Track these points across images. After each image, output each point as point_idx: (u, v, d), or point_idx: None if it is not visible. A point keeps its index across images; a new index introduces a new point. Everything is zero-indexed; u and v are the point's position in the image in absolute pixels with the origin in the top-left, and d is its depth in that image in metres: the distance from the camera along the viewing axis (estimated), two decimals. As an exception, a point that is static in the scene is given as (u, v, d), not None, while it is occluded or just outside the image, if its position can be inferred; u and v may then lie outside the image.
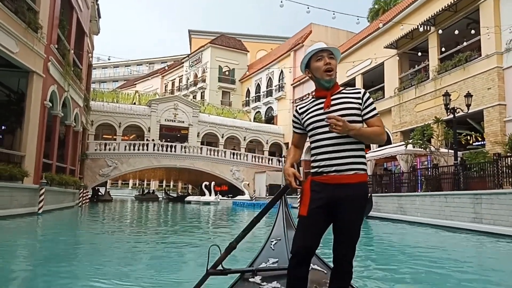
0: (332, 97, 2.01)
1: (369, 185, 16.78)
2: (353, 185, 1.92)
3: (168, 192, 40.96)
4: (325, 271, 2.55)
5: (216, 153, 29.96)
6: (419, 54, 17.81)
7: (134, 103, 31.51)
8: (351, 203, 1.90)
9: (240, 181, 30.04)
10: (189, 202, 29.27)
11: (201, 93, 44.44)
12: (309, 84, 30.71)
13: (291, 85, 33.61)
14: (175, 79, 52.13)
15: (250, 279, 2.47)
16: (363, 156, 2.00)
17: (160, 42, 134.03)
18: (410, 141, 13.90)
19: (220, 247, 2.36)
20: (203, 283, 2.32)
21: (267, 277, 2.49)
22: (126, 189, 50.33)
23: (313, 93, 2.15)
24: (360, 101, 2.00)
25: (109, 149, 25.93)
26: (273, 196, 2.34)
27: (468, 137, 16.00)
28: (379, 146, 20.10)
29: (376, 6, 29.56)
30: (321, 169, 1.96)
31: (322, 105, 2.01)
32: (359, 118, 1.99)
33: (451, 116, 12.88)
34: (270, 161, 32.24)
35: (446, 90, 14.25)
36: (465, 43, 15.75)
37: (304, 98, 31.44)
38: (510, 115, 13.64)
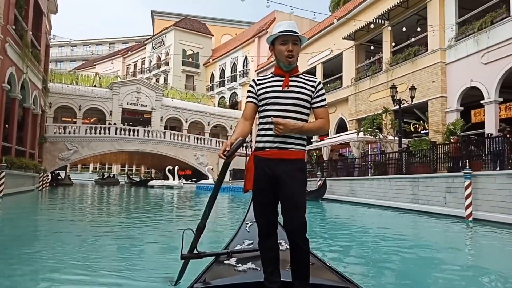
0: (290, 78, 2.08)
1: (324, 169, 18.04)
2: (292, 161, 2.02)
3: (131, 176, 40.66)
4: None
5: (180, 138, 30.12)
6: (372, 47, 18.93)
7: (95, 86, 30.79)
8: (291, 177, 1.99)
9: (204, 165, 30.48)
10: (152, 186, 29.41)
11: (165, 76, 43.94)
12: (272, 70, 31.35)
13: (255, 71, 34.14)
14: (137, 61, 51.00)
15: (225, 261, 2.49)
16: (304, 137, 2.10)
17: (121, 21, 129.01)
18: (362, 129, 15.00)
19: (193, 230, 2.37)
20: (185, 269, 2.41)
21: (242, 258, 2.52)
22: (86, 173, 49.24)
23: (273, 70, 2.21)
24: (313, 89, 2.09)
25: (69, 132, 25.46)
26: (219, 180, 2.41)
27: (417, 126, 17.40)
28: (337, 132, 21.29)
29: (336, -4, 30.49)
30: (264, 144, 2.06)
31: (279, 83, 2.08)
32: (308, 105, 2.09)
33: (398, 107, 14.04)
34: (233, 146, 32.82)
35: (393, 83, 15.42)
36: (413, 39, 16.98)
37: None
38: (450, 106, 15.04)
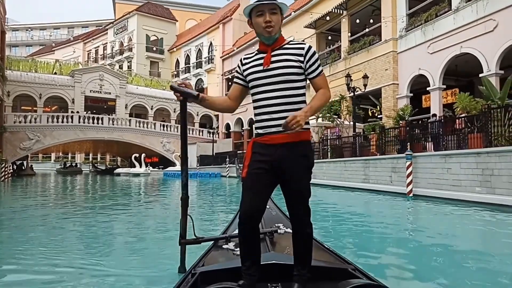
0: (273, 53, 1.88)
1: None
2: (296, 144, 1.83)
3: (96, 165, 40.13)
4: None
5: (145, 125, 30.10)
6: (329, 38, 19.80)
7: (55, 73, 29.99)
8: (295, 161, 1.82)
9: (171, 152, 30.69)
10: (118, 174, 29.36)
11: (128, 62, 43.14)
12: (238, 57, 31.71)
13: (221, 57, 34.35)
14: (98, 46, 49.55)
15: (223, 246, 2.49)
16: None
17: (80, 4, 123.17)
18: (320, 115, 15.92)
19: (191, 216, 2.38)
20: (185, 254, 2.42)
21: None
22: (48, 162, 47.91)
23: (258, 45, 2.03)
24: (302, 58, 1.87)
25: (30, 122, 24.89)
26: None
27: (374, 111, 18.56)
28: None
29: (300, -16, 31.03)
30: (261, 130, 1.89)
31: (261, 61, 1.89)
32: (301, 77, 1.88)
33: (352, 94, 15.03)
34: (200, 133, 33.19)
35: (350, 71, 16.37)
36: (367, 29, 17.98)
37: (233, 71, 32.46)
38: (401, 93, 16.23)
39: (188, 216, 2.34)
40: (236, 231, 2.56)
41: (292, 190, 1.86)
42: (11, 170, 22.67)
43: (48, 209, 8.64)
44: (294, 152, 1.82)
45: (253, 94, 1.93)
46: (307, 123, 1.87)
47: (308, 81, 1.93)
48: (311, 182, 1.91)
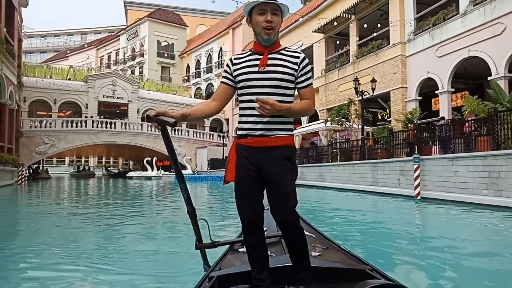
0: (269, 56, 1.86)
1: (296, 157, 19.10)
2: (280, 148, 1.83)
3: (109, 168, 40.81)
4: (313, 235, 2.57)
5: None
6: (337, 42, 19.95)
7: (69, 79, 30.70)
8: (277, 166, 1.81)
9: (182, 156, 31.05)
10: (130, 178, 29.85)
11: (140, 68, 43.86)
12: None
13: (230, 62, 34.66)
14: (111, 52, 50.47)
15: (239, 249, 2.45)
16: (290, 120, 1.90)
17: (93, 10, 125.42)
18: (329, 118, 16.08)
19: (207, 220, 2.35)
20: (206, 255, 2.39)
21: None
22: (62, 166, 48.88)
23: (252, 46, 1.98)
24: (296, 66, 1.85)
25: (45, 126, 25.51)
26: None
27: (384, 114, 18.63)
28: (309, 122, 22.28)
29: (308, -11, 31.30)
30: (246, 132, 1.86)
31: (257, 62, 1.85)
32: (292, 85, 1.87)
33: (360, 98, 15.15)
34: (211, 137, 33.53)
35: (358, 75, 16.51)
36: (375, 34, 18.10)
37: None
38: (410, 96, 16.29)
39: (203, 220, 2.31)
40: None
41: (277, 192, 1.82)
42: (27, 174, 23.26)
43: (63, 212, 8.92)
44: (277, 155, 1.82)
45: (242, 95, 1.89)
46: (291, 129, 1.90)
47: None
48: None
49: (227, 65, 1.96)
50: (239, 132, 1.91)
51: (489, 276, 3.48)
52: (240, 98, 1.90)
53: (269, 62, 1.84)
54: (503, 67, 12.11)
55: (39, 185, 20.31)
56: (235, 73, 1.89)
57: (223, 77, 1.97)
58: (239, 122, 1.92)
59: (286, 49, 1.91)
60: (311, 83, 1.93)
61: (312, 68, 23.88)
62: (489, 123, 8.95)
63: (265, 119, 1.81)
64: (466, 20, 13.59)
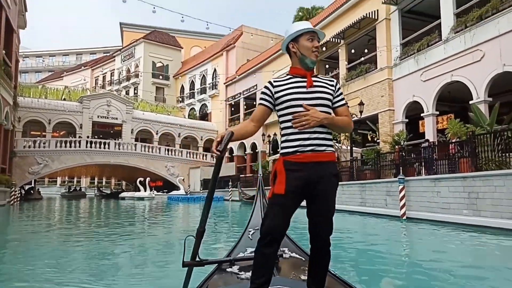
0: (312, 78, 2.02)
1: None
2: (328, 163, 1.95)
3: (101, 188, 40.68)
4: (303, 259, 2.56)
5: (150, 150, 30.75)
6: (327, 66, 20.61)
7: (64, 99, 30.99)
8: (327, 181, 1.92)
9: (175, 176, 31.19)
10: (123, 198, 29.80)
11: (134, 88, 44.36)
12: (241, 83, 32.73)
13: (224, 83, 35.36)
14: (106, 72, 51.06)
15: (227, 269, 2.43)
16: (331, 137, 2.05)
17: (88, 31, 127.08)
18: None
19: (194, 236, 2.28)
20: (190, 277, 2.26)
21: (245, 266, 2.46)
22: (54, 186, 48.55)
23: (289, 71, 2.12)
24: (333, 88, 2.04)
25: (39, 146, 25.62)
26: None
27: (373, 136, 19.10)
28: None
29: (300, 13, 32.36)
30: (295, 148, 1.94)
31: (301, 84, 1.99)
32: (331, 104, 2.03)
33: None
34: (204, 157, 33.77)
35: (348, 97, 17.01)
36: (363, 58, 18.79)
37: (237, 96, 33.43)
38: (397, 118, 16.81)
39: (192, 237, 2.25)
40: (241, 254, 2.64)
41: (322, 208, 1.92)
42: (19, 194, 23.21)
43: (53, 233, 8.98)
44: (326, 171, 1.92)
45: (286, 114, 1.99)
46: (332, 146, 2.03)
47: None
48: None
49: (266, 88, 2.07)
50: (285, 150, 1.98)
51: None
52: (285, 118, 2.00)
53: (314, 83, 2.00)
54: (483, 92, 12.68)
55: (31, 205, 20.28)
56: (277, 95, 2.01)
57: (262, 99, 2.07)
58: (285, 141, 2.00)
59: (320, 75, 2.10)
60: (346, 103, 2.12)
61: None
62: (468, 145, 9.38)
63: (314, 135, 1.92)
64: (448, 46, 14.26)
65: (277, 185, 1.92)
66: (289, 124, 1.98)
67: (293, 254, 2.58)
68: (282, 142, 2.03)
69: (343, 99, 2.08)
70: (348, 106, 2.20)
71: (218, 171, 2.12)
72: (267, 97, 2.05)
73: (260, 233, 1.92)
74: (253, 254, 2.33)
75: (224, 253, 3.16)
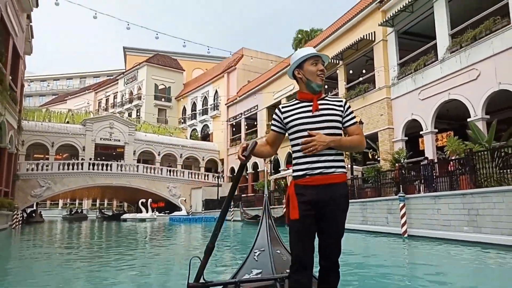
0: (318, 102, 2.05)
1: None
2: (338, 185, 1.97)
3: (103, 210, 40.57)
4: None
5: (152, 171, 30.87)
6: (326, 86, 20.93)
7: (68, 122, 31.40)
8: (337, 202, 1.95)
9: (176, 197, 31.19)
10: (125, 220, 29.64)
11: (137, 110, 44.90)
12: (242, 104, 33.14)
13: (225, 104, 35.80)
14: (109, 95, 51.78)
15: None
16: (343, 158, 2.07)
17: (92, 55, 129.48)
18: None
19: (200, 258, 2.23)
20: None
21: None
22: (56, 209, 48.38)
23: (296, 96, 2.17)
24: (342, 108, 2.07)
25: (42, 169, 25.78)
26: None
27: (374, 154, 19.22)
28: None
29: (299, 36, 33.10)
30: (304, 172, 1.97)
31: (307, 108, 2.03)
32: (340, 125, 2.04)
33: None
34: (206, 177, 33.84)
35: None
36: (361, 78, 19.12)
37: (238, 117, 33.79)
38: (397, 136, 16.97)
39: (197, 258, 2.23)
40: (246, 276, 2.62)
41: (331, 230, 1.96)
42: (21, 218, 23.21)
43: (54, 257, 8.88)
44: (336, 193, 1.95)
45: (294, 138, 2.04)
46: (344, 167, 2.06)
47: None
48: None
49: (276, 114, 2.16)
50: (296, 173, 2.03)
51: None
52: (293, 142, 2.06)
53: (320, 107, 2.03)
54: (480, 109, 12.87)
55: (32, 229, 20.25)
56: (285, 120, 2.08)
57: (272, 125, 2.19)
58: (295, 164, 2.05)
59: (329, 97, 2.15)
60: (357, 122, 2.13)
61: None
62: (466, 162, 9.48)
63: (322, 158, 1.95)
64: (445, 66, 14.56)
65: (291, 210, 1.97)
66: (298, 148, 2.03)
67: None
68: (293, 165, 2.08)
69: (353, 117, 2.09)
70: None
71: (239, 178, 2.18)
72: (276, 123, 2.14)
73: (292, 262, 1.97)
74: (258, 275, 2.43)
75: (229, 275, 3.11)
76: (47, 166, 26.13)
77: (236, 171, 2.33)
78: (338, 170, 1.98)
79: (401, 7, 15.96)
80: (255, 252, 2.93)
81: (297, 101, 2.12)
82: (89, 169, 27.57)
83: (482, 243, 7.92)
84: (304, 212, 1.93)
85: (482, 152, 9.32)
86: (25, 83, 29.11)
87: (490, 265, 6.41)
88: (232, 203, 26.51)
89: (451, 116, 16.72)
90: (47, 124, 28.89)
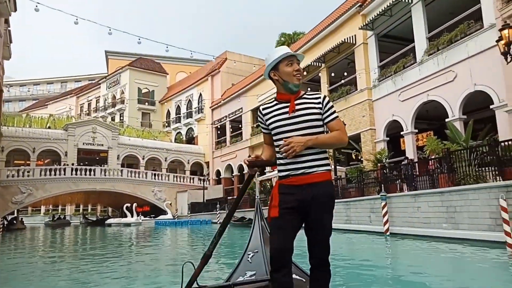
0: (295, 102, 2.02)
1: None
2: (321, 183, 1.95)
3: (87, 216, 39.96)
4: (304, 280, 2.54)
5: (137, 175, 30.61)
6: (309, 88, 21.21)
7: (49, 127, 30.87)
8: (321, 201, 1.94)
9: (162, 201, 31.00)
10: (109, 225, 29.31)
11: (120, 114, 44.40)
12: (226, 107, 33.21)
13: (210, 107, 35.78)
14: (91, 100, 51.05)
15: None
16: (326, 156, 2.04)
17: (73, 59, 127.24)
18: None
19: (193, 263, 2.22)
20: None
21: None
22: (38, 215, 47.39)
23: (275, 96, 2.15)
24: (320, 105, 2.03)
25: (23, 175, 25.28)
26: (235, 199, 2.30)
27: (358, 154, 19.56)
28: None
29: (282, 39, 33.40)
30: (287, 172, 1.98)
31: (285, 109, 2.02)
32: (320, 123, 2.01)
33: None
34: (191, 180, 33.72)
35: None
36: (343, 80, 19.47)
37: (222, 119, 33.84)
38: (379, 137, 17.34)
39: (190, 263, 2.23)
40: (240, 278, 2.60)
41: (318, 228, 1.96)
42: (2, 225, 22.71)
43: (36, 265, 8.69)
44: (319, 191, 1.93)
45: (276, 140, 2.04)
46: (328, 165, 2.03)
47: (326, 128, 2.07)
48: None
49: (258, 116, 2.17)
50: (280, 174, 2.03)
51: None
52: (276, 143, 2.06)
53: (297, 107, 2.00)
54: (458, 110, 13.30)
55: (13, 236, 19.85)
56: (267, 122, 2.08)
57: (261, 127, 2.19)
58: (279, 165, 2.04)
59: (307, 94, 2.10)
60: (337, 116, 2.06)
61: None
62: (445, 161, 9.81)
63: (303, 158, 1.94)
64: (423, 68, 14.98)
65: (272, 209, 1.97)
66: (279, 149, 2.03)
67: (295, 276, 2.53)
68: (277, 166, 2.07)
69: (333, 113, 2.04)
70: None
71: (246, 188, 2.19)
72: (262, 124, 2.16)
73: (270, 257, 1.95)
74: (252, 277, 2.42)
75: (223, 278, 3.07)
76: (28, 172, 25.64)
77: (243, 183, 2.21)
78: (321, 169, 1.97)
79: (380, 11, 16.36)
80: (249, 254, 2.92)
81: (275, 102, 2.11)
82: (72, 174, 27.16)
83: (460, 239, 8.22)
84: (283, 210, 1.93)
85: (460, 151, 9.65)
86: (4, 88, 28.47)
87: (465, 260, 6.68)
88: (218, 205, 26.41)
89: (431, 117, 17.17)
90: (28, 130, 28.36)
